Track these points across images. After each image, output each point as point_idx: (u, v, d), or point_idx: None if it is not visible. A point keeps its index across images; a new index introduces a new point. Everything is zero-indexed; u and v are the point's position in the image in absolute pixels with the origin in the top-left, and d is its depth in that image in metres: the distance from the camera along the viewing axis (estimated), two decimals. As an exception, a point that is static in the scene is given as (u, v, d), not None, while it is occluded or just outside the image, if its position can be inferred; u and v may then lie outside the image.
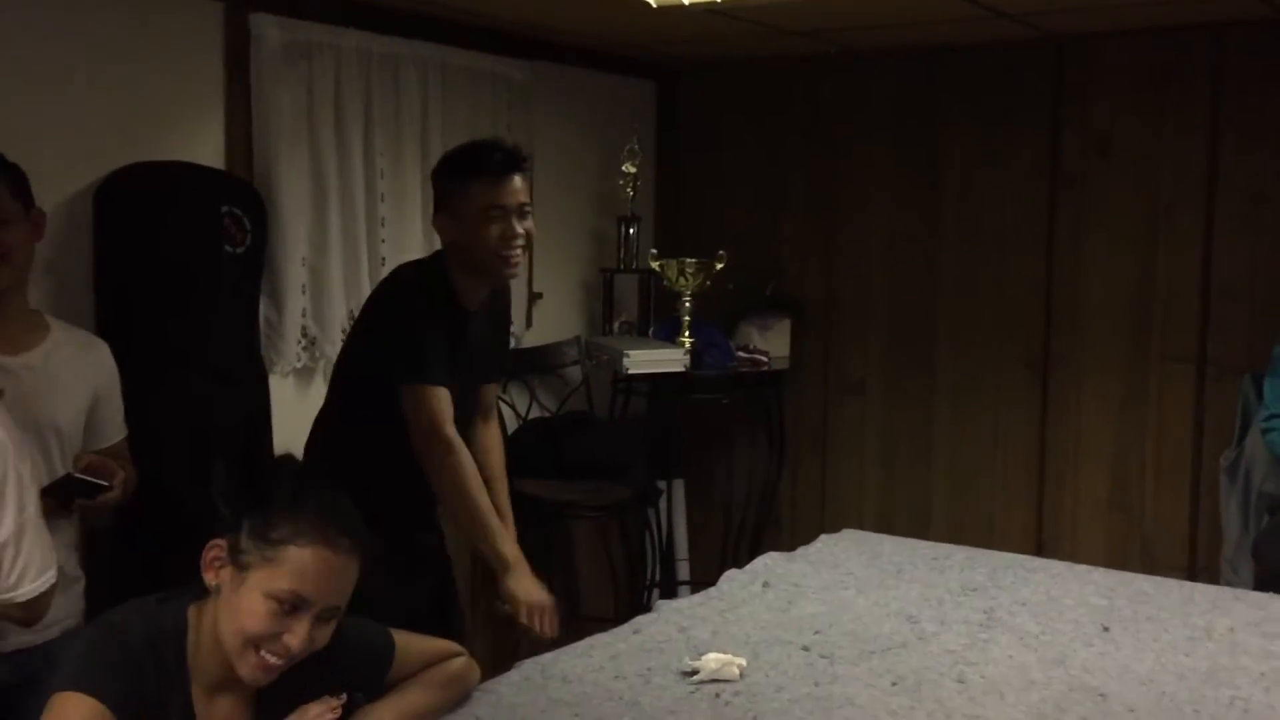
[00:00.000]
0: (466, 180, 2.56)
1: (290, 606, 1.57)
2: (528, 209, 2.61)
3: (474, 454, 2.64)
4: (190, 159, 3.05)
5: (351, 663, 1.72)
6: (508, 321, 3.00)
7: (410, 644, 1.84)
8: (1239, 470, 3.60)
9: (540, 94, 4.14)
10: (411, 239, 3.69)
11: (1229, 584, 3.38)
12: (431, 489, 2.59)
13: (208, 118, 3.17)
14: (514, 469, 2.97)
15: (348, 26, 3.43)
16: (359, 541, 1.63)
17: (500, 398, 4.01)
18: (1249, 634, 2.24)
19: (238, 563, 1.59)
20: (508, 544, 2.55)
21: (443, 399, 2.53)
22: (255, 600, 1.57)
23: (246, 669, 1.58)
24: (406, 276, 2.70)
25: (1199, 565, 3.86)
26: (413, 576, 2.63)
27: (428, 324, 2.56)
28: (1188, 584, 2.71)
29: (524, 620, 2.48)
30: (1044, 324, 4.14)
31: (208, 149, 3.15)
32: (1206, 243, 3.86)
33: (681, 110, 4.77)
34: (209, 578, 1.62)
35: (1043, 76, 4.09)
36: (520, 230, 2.57)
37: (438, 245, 3.66)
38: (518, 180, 2.58)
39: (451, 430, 2.54)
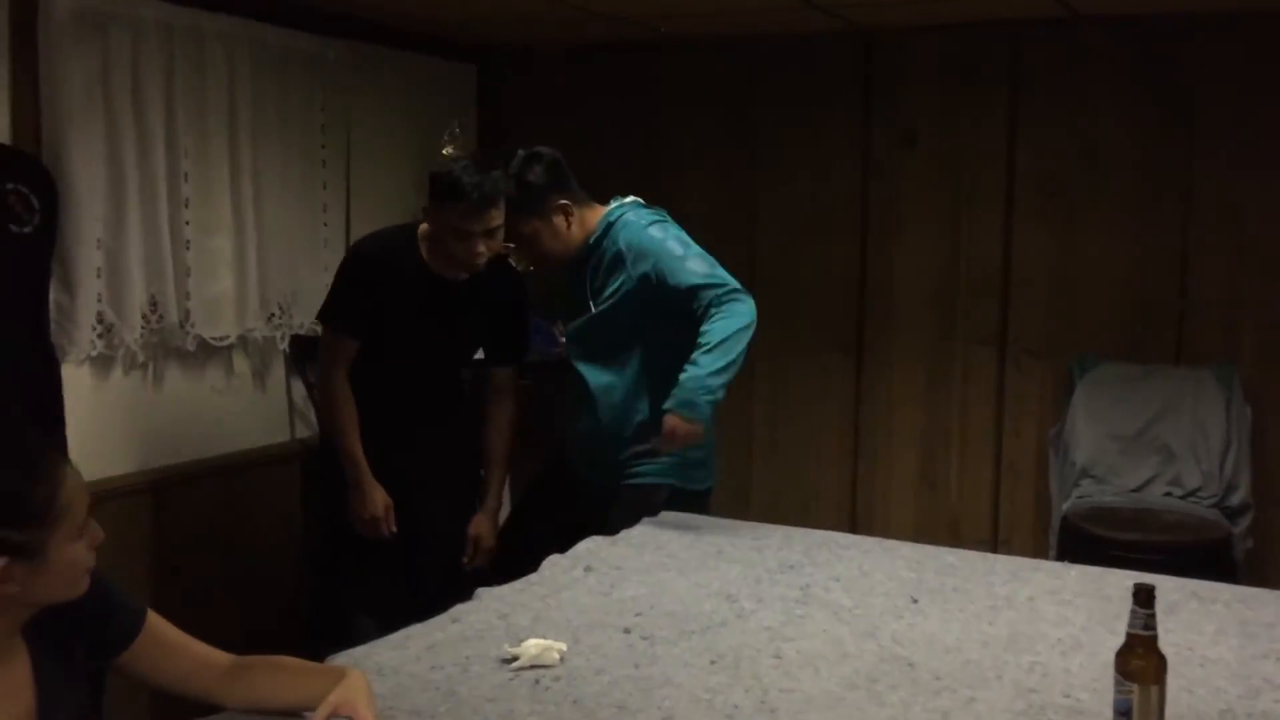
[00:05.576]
0: (446, 200, 2.85)
1: (85, 524, 1.61)
2: (497, 230, 2.91)
3: (487, 432, 3.20)
4: (-30, 132, 2.84)
5: (100, 615, 1.68)
6: (518, 309, 3.21)
7: (168, 629, 1.76)
8: (1061, 443, 3.79)
9: (357, 75, 4.03)
10: (219, 221, 3.54)
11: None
12: (404, 413, 3.06)
13: (-10, 88, 2.97)
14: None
15: (147, -3, 3.26)
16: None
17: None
18: (1047, 602, 2.35)
19: (28, 554, 1.53)
20: (359, 464, 3.00)
21: (333, 342, 3.02)
22: (69, 554, 1.57)
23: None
24: (366, 236, 3.16)
25: (1000, 538, 4.05)
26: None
27: (354, 273, 3.02)
28: (990, 555, 2.83)
29: (378, 516, 3.01)
30: (857, 309, 4.27)
31: (-10, 122, 2.95)
32: (1006, 231, 4.05)
33: (504, 93, 4.71)
34: None
35: (853, 68, 4.21)
36: (482, 249, 2.90)
37: (248, 224, 3.58)
38: (491, 211, 2.87)
39: (334, 371, 3.01)
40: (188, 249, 3.45)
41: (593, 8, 3.76)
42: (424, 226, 3.01)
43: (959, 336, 4.13)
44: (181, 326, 3.46)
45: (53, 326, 3.06)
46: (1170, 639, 2.05)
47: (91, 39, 3.12)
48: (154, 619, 1.74)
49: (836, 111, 4.25)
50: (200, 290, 3.49)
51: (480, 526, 3.19)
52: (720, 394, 2.85)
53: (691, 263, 2.92)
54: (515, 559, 2.87)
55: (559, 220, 3.02)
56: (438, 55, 4.42)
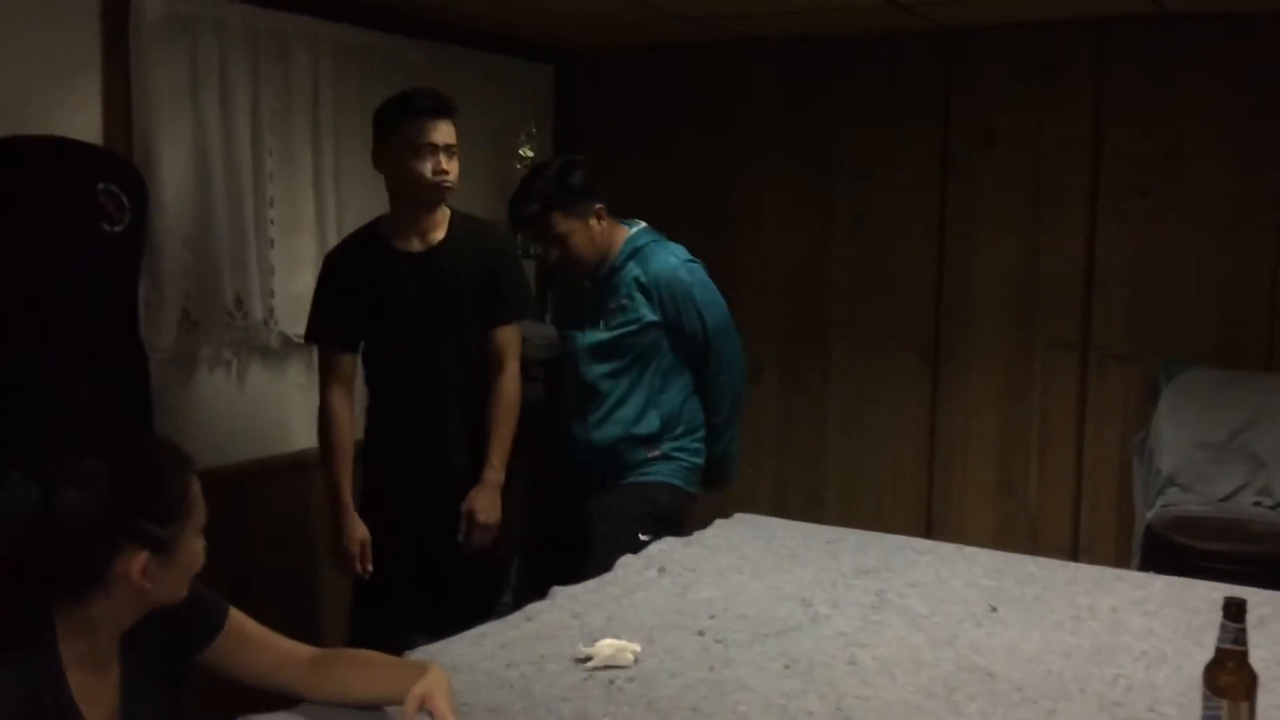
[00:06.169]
0: (401, 120, 2.87)
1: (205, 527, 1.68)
2: (453, 149, 2.90)
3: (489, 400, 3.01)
4: (65, 133, 2.91)
5: (183, 613, 1.71)
6: (500, 262, 3.06)
7: (250, 625, 1.79)
8: (1145, 450, 3.71)
9: (436, 75, 4.05)
10: (303, 219, 3.60)
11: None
12: (436, 428, 2.97)
13: (84, 90, 3.04)
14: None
15: (233, 0, 3.32)
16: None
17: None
18: (1131, 613, 2.30)
19: (162, 549, 1.58)
20: (339, 495, 2.93)
21: (321, 359, 3.03)
22: (192, 549, 1.63)
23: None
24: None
25: (1081, 546, 3.98)
26: (422, 510, 2.98)
27: (321, 283, 3.03)
28: (1072, 564, 2.78)
29: (353, 554, 2.94)
30: (934, 311, 4.21)
31: (84, 123, 3.01)
32: (1089, 232, 3.97)
33: (580, 95, 4.73)
34: (129, 587, 1.57)
35: (932, 67, 4.16)
36: (446, 166, 2.88)
37: (330, 224, 3.63)
38: (446, 123, 2.88)
39: (325, 390, 2.98)
40: (272, 247, 3.52)
41: (670, 8, 3.76)
42: (387, 186, 2.98)
43: (1039, 339, 4.06)
44: (265, 323, 3.52)
45: (141, 323, 3.13)
46: (1260, 654, 1.99)
47: (180, 42, 3.19)
48: (235, 615, 1.77)
49: (915, 110, 4.20)
50: (284, 288, 3.55)
51: (472, 500, 2.94)
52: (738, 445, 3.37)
53: (708, 312, 3.21)
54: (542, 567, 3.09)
55: (593, 223, 3.19)
56: (516, 55, 4.45)
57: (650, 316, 3.19)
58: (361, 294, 2.96)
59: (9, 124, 2.78)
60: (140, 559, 1.55)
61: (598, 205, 3.19)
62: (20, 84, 2.88)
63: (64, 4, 2.98)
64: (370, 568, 2.94)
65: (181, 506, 1.60)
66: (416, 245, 2.98)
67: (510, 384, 3.03)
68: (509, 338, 3.04)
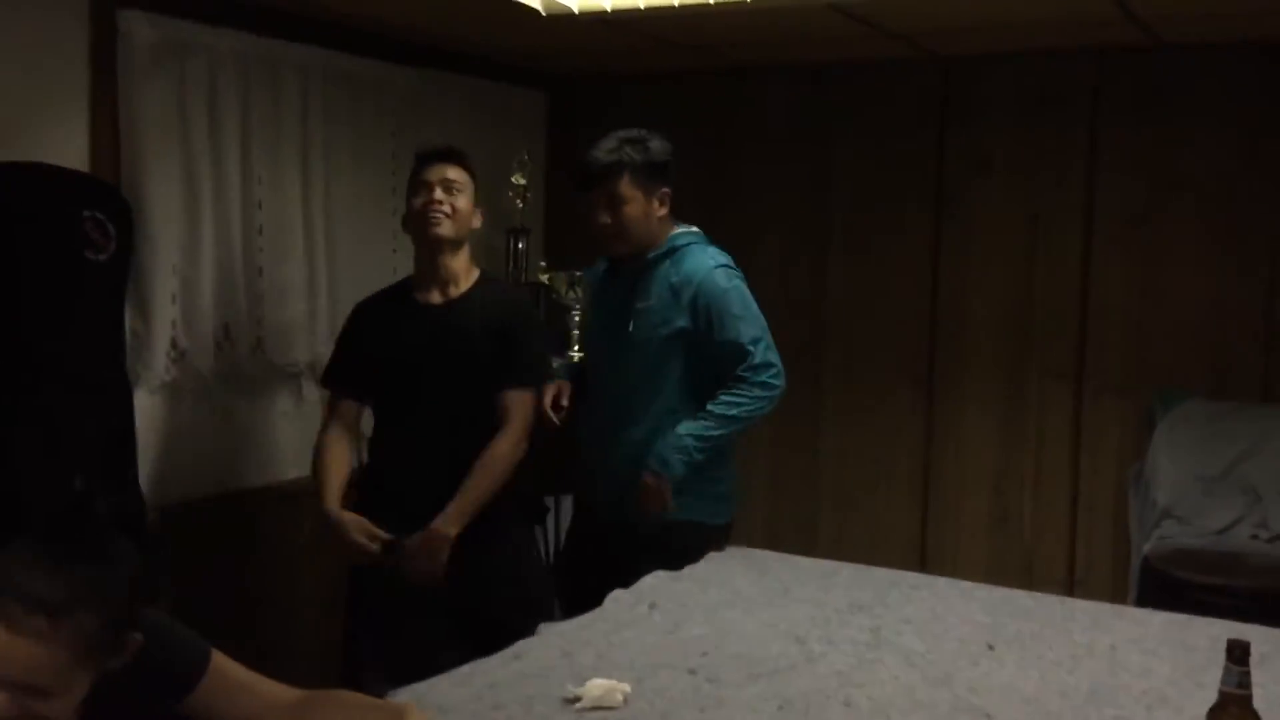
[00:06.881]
0: (410, 175, 2.99)
1: None
2: (454, 186, 2.93)
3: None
4: (51, 160, 2.88)
5: (161, 660, 1.62)
6: (522, 323, 3.01)
7: (234, 669, 1.73)
8: (1141, 482, 3.68)
9: (428, 102, 4.05)
10: (292, 248, 3.57)
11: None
12: (425, 491, 2.86)
13: (70, 117, 3.02)
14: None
15: (224, 26, 3.30)
16: (50, 620, 1.42)
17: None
18: (1130, 651, 2.26)
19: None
20: (327, 505, 2.88)
21: (329, 401, 3.05)
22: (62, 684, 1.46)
23: None
24: None
25: (1076, 579, 3.94)
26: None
27: (343, 331, 3.09)
28: (1069, 600, 2.74)
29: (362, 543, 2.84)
30: (928, 342, 4.19)
31: (70, 150, 2.99)
32: (1084, 261, 3.95)
33: (573, 121, 4.71)
34: None
35: (928, 96, 4.15)
36: (439, 197, 2.90)
37: (319, 252, 3.61)
38: (445, 166, 2.94)
39: (324, 430, 3.00)
40: (260, 276, 3.49)
41: (661, 34, 3.75)
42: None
43: (1033, 370, 4.04)
44: (253, 352, 3.49)
45: (128, 353, 3.09)
46: (1261, 693, 1.95)
47: (169, 68, 3.17)
48: (219, 659, 1.72)
49: (909, 139, 4.19)
50: (272, 317, 3.52)
51: (412, 541, 2.81)
52: (699, 457, 2.90)
53: (747, 324, 2.93)
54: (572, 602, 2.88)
55: (655, 205, 3.03)
56: (508, 82, 4.44)
57: (679, 323, 2.94)
58: (375, 343, 2.97)
59: (-5, 152, 2.76)
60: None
61: (665, 189, 3.04)
62: (5, 110, 2.86)
63: (51, 29, 2.96)
64: (385, 535, 2.82)
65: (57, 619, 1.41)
66: (436, 298, 2.96)
67: (503, 445, 2.88)
68: (516, 402, 2.92)
